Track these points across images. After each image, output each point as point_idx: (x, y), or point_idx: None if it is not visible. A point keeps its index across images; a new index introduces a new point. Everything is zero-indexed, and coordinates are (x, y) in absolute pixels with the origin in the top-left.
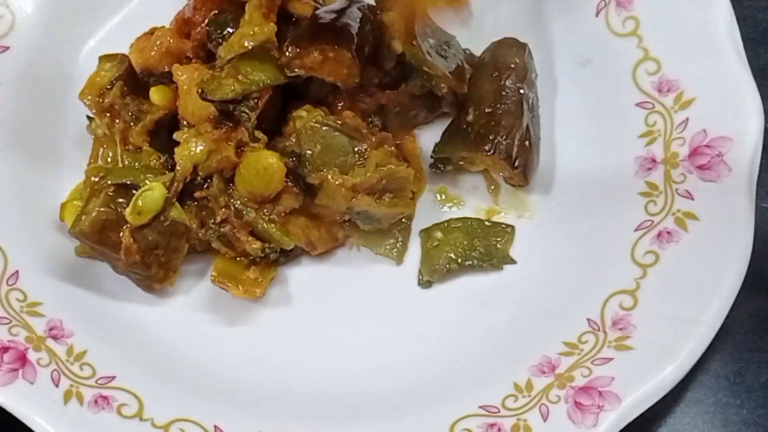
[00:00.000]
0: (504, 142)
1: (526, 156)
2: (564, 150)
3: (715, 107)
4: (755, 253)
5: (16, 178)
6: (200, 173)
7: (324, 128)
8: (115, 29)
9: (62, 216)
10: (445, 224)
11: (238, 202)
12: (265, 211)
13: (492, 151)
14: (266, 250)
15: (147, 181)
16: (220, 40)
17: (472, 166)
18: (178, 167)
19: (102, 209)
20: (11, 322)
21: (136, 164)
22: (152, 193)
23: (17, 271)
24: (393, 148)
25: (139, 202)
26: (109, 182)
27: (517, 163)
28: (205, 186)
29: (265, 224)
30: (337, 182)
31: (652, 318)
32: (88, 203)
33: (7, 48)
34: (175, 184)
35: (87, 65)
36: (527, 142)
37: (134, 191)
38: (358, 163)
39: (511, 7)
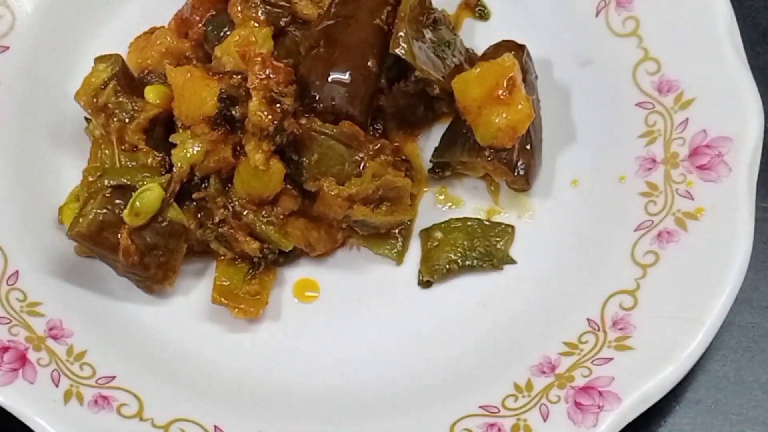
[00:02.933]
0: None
1: (528, 160)
2: (564, 150)
3: (715, 107)
4: (755, 253)
5: (16, 178)
6: (197, 174)
7: (321, 137)
8: (115, 29)
9: (61, 219)
10: (445, 224)
11: (237, 203)
12: (264, 212)
13: (492, 157)
14: (264, 251)
15: (144, 182)
16: (216, 42)
17: (472, 171)
18: (175, 168)
19: (99, 211)
20: (11, 322)
21: (133, 164)
22: (150, 194)
23: (17, 271)
24: (391, 154)
25: (137, 203)
26: (106, 182)
27: (518, 168)
28: (203, 186)
29: (263, 226)
30: (332, 192)
31: (652, 318)
32: (86, 205)
33: (7, 48)
34: (173, 185)
35: (87, 65)
36: (528, 146)
37: (132, 192)
38: (355, 172)
39: (512, 7)
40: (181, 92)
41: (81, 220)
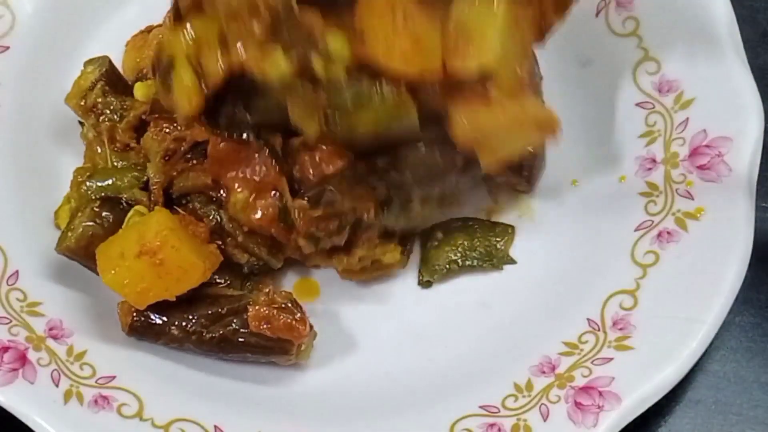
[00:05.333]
0: None
1: (532, 162)
2: (564, 150)
3: (715, 107)
4: (755, 253)
5: (16, 177)
6: (174, 193)
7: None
8: (114, 29)
9: (57, 222)
10: (445, 224)
11: (230, 224)
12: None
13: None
14: (252, 262)
15: (133, 191)
16: None
17: None
18: (151, 183)
19: (88, 224)
20: (11, 322)
21: (123, 164)
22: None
23: (17, 271)
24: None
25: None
26: (95, 185)
27: (522, 170)
28: (183, 202)
29: (255, 248)
30: (321, 264)
31: (652, 318)
32: (74, 219)
33: (7, 48)
34: (154, 198)
35: None
36: (530, 146)
37: (121, 205)
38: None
39: None
40: None
41: (69, 234)
